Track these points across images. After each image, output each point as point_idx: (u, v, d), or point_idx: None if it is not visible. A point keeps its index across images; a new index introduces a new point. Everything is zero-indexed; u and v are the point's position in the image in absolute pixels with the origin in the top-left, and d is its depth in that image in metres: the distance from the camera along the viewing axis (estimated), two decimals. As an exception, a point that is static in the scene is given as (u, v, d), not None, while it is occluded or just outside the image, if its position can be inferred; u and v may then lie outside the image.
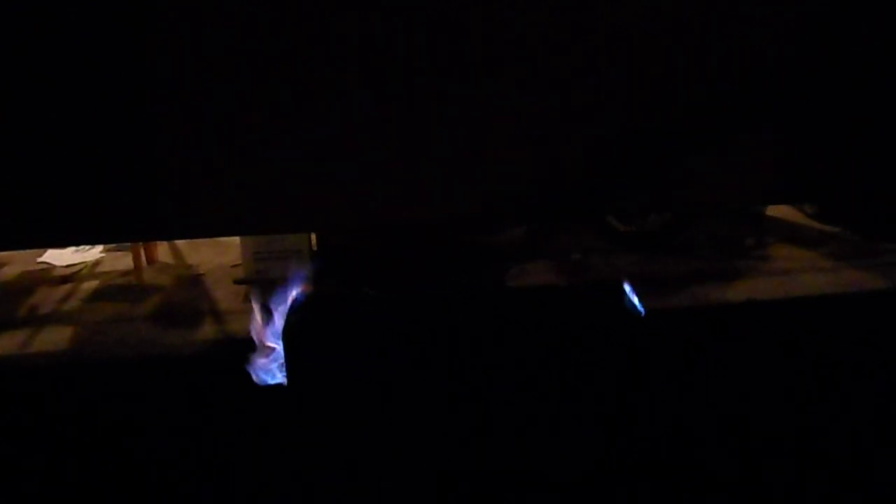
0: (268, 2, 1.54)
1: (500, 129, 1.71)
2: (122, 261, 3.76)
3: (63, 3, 1.50)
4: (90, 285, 3.55)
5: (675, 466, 1.72)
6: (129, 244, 3.64)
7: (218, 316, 3.16)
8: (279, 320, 1.75)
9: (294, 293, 1.77)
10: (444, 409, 1.66)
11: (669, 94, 1.74)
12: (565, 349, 1.68)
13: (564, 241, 3.89)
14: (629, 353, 1.71)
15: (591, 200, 1.89)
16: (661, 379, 1.78)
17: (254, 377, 1.73)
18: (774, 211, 4.18)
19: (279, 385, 1.70)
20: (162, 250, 3.92)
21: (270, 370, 1.74)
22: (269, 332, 1.76)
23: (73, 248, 3.85)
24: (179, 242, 4.02)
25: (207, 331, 3.00)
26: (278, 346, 1.74)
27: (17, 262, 3.82)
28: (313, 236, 3.51)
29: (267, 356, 1.75)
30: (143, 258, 3.66)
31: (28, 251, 3.82)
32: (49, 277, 3.65)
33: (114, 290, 3.49)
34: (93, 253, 3.89)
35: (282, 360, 1.71)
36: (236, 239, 3.58)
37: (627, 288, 1.75)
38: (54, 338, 2.94)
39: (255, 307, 1.78)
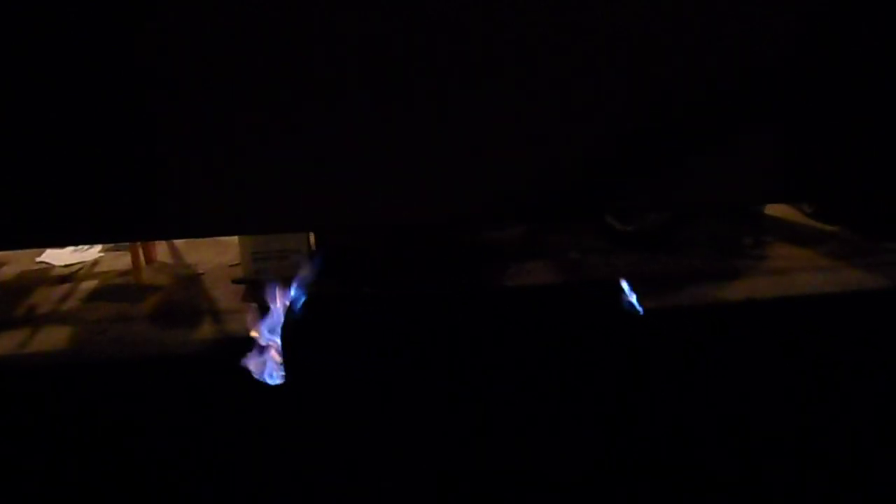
0: (268, 2, 1.54)
1: (500, 129, 1.71)
2: (121, 260, 3.76)
3: (63, 3, 1.49)
4: (89, 285, 3.54)
5: (673, 465, 1.72)
6: (127, 244, 3.63)
7: (217, 315, 3.16)
8: (278, 319, 1.75)
9: (293, 293, 1.77)
10: (444, 408, 1.66)
11: (669, 94, 1.75)
12: (564, 348, 1.68)
13: (563, 240, 3.89)
14: (628, 353, 1.71)
15: (591, 200, 1.90)
16: (660, 378, 1.78)
17: (254, 375, 1.73)
18: (773, 210, 4.18)
19: (278, 384, 1.70)
20: (160, 250, 3.91)
21: (270, 369, 1.74)
22: (267, 329, 1.76)
23: (71, 248, 3.84)
24: (178, 242, 4.01)
25: (206, 330, 3.00)
26: (276, 343, 1.74)
27: (15, 262, 3.81)
28: (312, 236, 3.51)
29: (266, 354, 1.75)
30: (142, 258, 3.66)
31: (26, 251, 3.81)
32: (48, 277, 3.65)
33: (112, 290, 3.48)
34: (91, 252, 3.89)
35: (280, 359, 1.71)
36: (235, 238, 3.57)
37: (626, 287, 1.75)
38: (53, 337, 2.93)
39: (254, 306, 1.78)
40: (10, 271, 3.73)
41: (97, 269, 3.77)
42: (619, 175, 1.80)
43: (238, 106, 1.63)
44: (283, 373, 1.71)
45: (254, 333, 1.78)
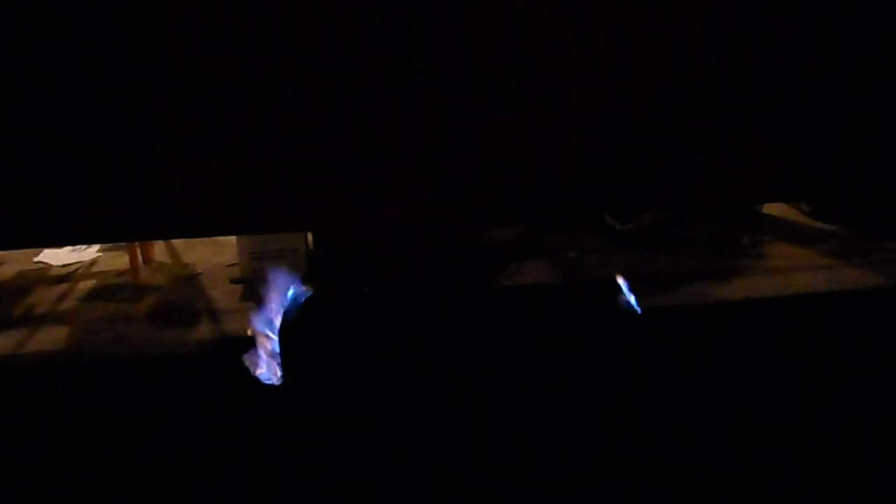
0: (268, 2, 1.54)
1: (500, 129, 1.71)
2: (119, 260, 3.75)
3: (63, 2, 1.49)
4: (86, 285, 3.53)
5: (672, 464, 1.72)
6: (124, 244, 3.62)
7: (214, 315, 3.15)
8: (276, 318, 1.75)
9: (291, 292, 1.77)
10: (442, 408, 1.66)
11: (668, 93, 1.75)
12: (562, 348, 1.68)
13: (561, 240, 3.88)
14: (626, 352, 1.71)
15: (592, 200, 1.90)
16: (659, 377, 1.78)
17: (252, 372, 1.72)
18: (771, 209, 4.18)
19: (277, 384, 1.69)
20: (158, 250, 3.91)
21: (266, 367, 1.73)
22: (264, 327, 1.76)
23: (69, 248, 3.83)
24: (176, 242, 4.00)
25: (204, 330, 2.99)
26: (274, 339, 1.74)
27: (13, 262, 3.80)
28: (310, 236, 3.50)
29: (264, 353, 1.74)
30: (140, 257, 3.65)
31: (24, 251, 3.80)
32: (45, 277, 3.64)
33: (110, 290, 3.48)
34: (89, 252, 3.88)
35: (276, 357, 1.71)
36: (233, 238, 3.56)
37: (623, 286, 1.75)
38: (51, 337, 2.93)
39: (251, 305, 1.77)
40: (7, 271, 3.72)
41: (95, 268, 3.76)
42: (619, 175, 1.80)
43: (237, 105, 1.63)
44: (279, 371, 1.71)
45: (249, 331, 1.77)
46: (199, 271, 3.66)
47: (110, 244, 3.85)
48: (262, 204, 1.72)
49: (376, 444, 1.64)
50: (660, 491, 1.66)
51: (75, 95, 1.58)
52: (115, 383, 2.17)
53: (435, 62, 1.62)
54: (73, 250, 3.85)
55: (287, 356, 1.67)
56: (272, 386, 1.70)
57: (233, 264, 3.61)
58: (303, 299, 1.76)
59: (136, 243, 3.56)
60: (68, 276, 3.65)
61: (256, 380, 1.73)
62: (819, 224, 4.01)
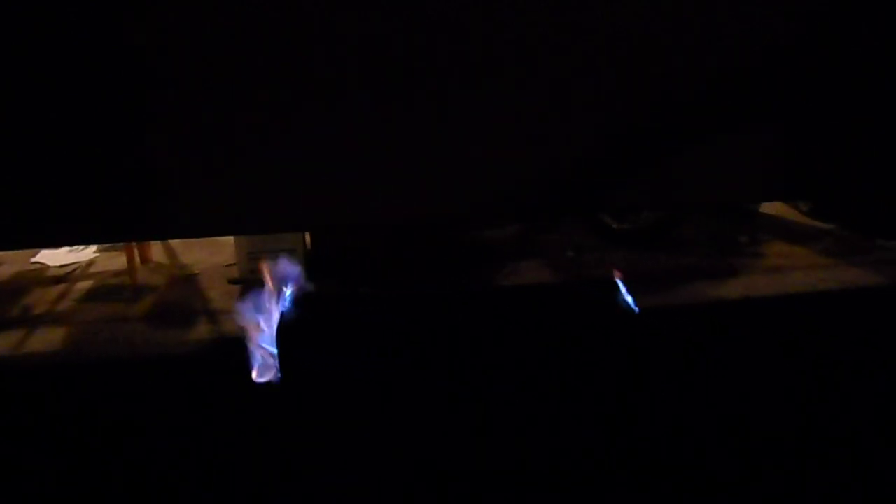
0: (268, 2, 1.54)
1: (500, 129, 1.71)
2: (116, 261, 3.74)
3: (63, 3, 1.49)
4: (84, 285, 3.52)
5: (670, 462, 1.72)
6: (122, 244, 3.61)
7: (212, 316, 3.15)
8: (273, 318, 1.75)
9: (289, 292, 1.77)
10: (440, 407, 1.65)
11: (667, 93, 1.75)
12: (559, 347, 1.68)
13: (558, 238, 3.89)
14: (624, 351, 1.71)
15: (591, 199, 1.90)
16: (657, 376, 1.78)
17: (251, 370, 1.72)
18: (768, 208, 4.19)
19: (274, 384, 1.69)
20: (156, 250, 3.90)
21: (260, 365, 1.73)
22: (259, 325, 1.76)
23: (66, 249, 3.83)
24: (173, 242, 3.99)
25: (202, 330, 2.99)
26: (268, 335, 1.73)
27: (10, 263, 3.79)
28: (308, 236, 3.50)
29: (260, 352, 1.74)
30: (137, 258, 3.64)
31: (21, 252, 3.80)
32: (43, 278, 3.63)
33: (108, 290, 3.47)
34: (86, 253, 3.87)
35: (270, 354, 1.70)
36: (230, 238, 3.56)
37: (621, 285, 1.75)
38: (48, 338, 2.92)
39: (246, 305, 1.77)
40: (4, 272, 3.71)
41: (92, 269, 3.75)
42: (618, 174, 1.81)
43: (236, 105, 1.63)
44: (273, 368, 1.70)
45: (244, 324, 1.77)
46: (197, 272, 3.66)
47: (107, 245, 3.85)
48: (262, 204, 1.72)
49: (375, 444, 1.64)
50: (659, 490, 1.66)
51: (74, 96, 1.57)
52: (113, 383, 2.17)
53: (435, 62, 1.62)
54: (71, 251, 3.84)
55: (285, 356, 1.66)
56: (270, 386, 1.70)
57: (231, 265, 3.61)
58: (298, 299, 1.76)
59: (134, 244, 3.55)
60: (66, 276, 3.65)
61: (254, 380, 1.72)
62: (816, 223, 4.01)
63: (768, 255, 3.61)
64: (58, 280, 3.59)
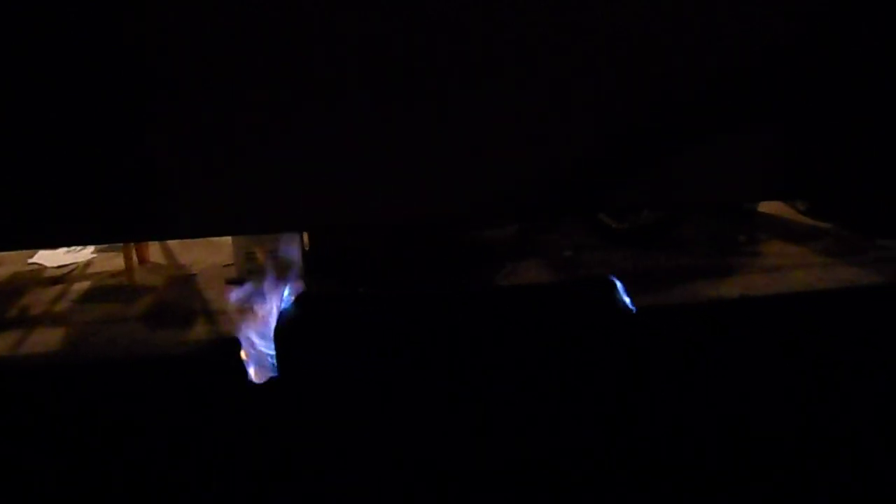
0: (268, 2, 1.53)
1: (500, 129, 1.71)
2: (114, 261, 3.74)
3: (62, 3, 1.48)
4: (81, 286, 3.52)
5: (668, 462, 1.72)
6: (120, 244, 3.61)
7: (210, 316, 3.15)
8: (268, 317, 1.75)
9: (287, 292, 1.77)
10: (439, 407, 1.65)
11: (667, 93, 1.75)
12: (557, 347, 1.68)
13: (557, 238, 3.89)
14: (622, 350, 1.71)
15: (591, 199, 1.90)
16: (655, 375, 1.78)
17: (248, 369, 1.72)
18: (766, 207, 4.20)
19: (272, 384, 1.69)
20: (153, 250, 3.90)
21: (261, 366, 1.73)
22: (255, 324, 1.76)
23: (64, 249, 3.83)
24: (171, 242, 3.99)
25: (200, 331, 2.99)
26: (263, 334, 1.73)
27: (7, 263, 3.79)
28: (306, 236, 3.50)
29: (256, 350, 1.74)
30: (135, 258, 3.64)
31: (19, 252, 3.79)
32: (40, 278, 3.63)
33: (105, 291, 3.47)
34: (84, 254, 3.87)
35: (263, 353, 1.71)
36: (228, 239, 3.56)
37: (618, 285, 1.75)
38: (45, 339, 2.92)
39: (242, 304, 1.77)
40: (2, 273, 3.71)
41: (90, 270, 3.75)
42: (618, 174, 1.81)
43: (235, 105, 1.62)
44: (268, 368, 1.70)
45: (241, 330, 1.77)
46: (195, 272, 3.66)
47: (105, 245, 3.84)
48: (262, 204, 1.72)
49: (373, 444, 1.64)
50: (658, 489, 1.66)
51: (73, 96, 1.57)
52: (111, 384, 2.16)
53: (435, 62, 1.62)
54: (68, 251, 3.84)
55: (280, 355, 1.66)
56: (269, 387, 1.70)
57: (228, 265, 3.61)
58: (298, 299, 1.76)
59: (132, 244, 3.55)
60: (63, 277, 3.64)
61: (252, 381, 1.72)
62: (814, 222, 4.02)
63: (766, 255, 3.62)
64: (55, 281, 3.59)
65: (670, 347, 1.98)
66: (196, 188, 1.68)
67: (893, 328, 2.24)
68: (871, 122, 1.90)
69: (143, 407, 1.96)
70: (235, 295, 1.78)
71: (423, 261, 3.13)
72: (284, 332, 1.66)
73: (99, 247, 3.90)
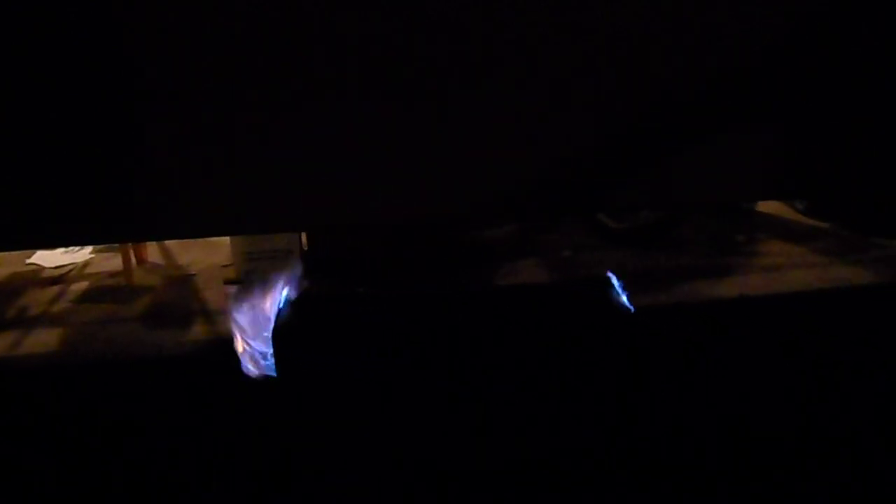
0: (268, 2, 1.53)
1: (499, 129, 1.71)
2: (112, 261, 3.73)
3: (60, 2, 1.48)
4: (79, 286, 3.51)
5: (668, 462, 1.72)
6: (118, 245, 3.60)
7: (209, 316, 3.14)
8: (263, 317, 1.75)
9: (285, 292, 1.77)
10: (437, 407, 1.65)
11: (667, 93, 1.75)
12: (555, 346, 1.68)
13: (555, 238, 3.89)
14: (621, 350, 1.71)
15: (591, 199, 1.90)
16: (654, 374, 1.78)
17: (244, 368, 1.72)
18: (765, 207, 4.19)
19: (270, 385, 1.69)
20: (151, 251, 3.89)
21: (259, 361, 1.73)
22: (251, 324, 1.75)
23: (62, 249, 3.81)
24: (169, 242, 3.98)
25: (198, 331, 2.98)
26: (256, 332, 1.73)
27: (5, 264, 3.78)
28: (304, 236, 3.49)
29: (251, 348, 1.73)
30: (133, 259, 3.63)
31: (16, 252, 3.78)
32: (38, 279, 3.62)
33: (103, 291, 3.46)
34: (82, 254, 3.86)
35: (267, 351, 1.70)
36: (226, 239, 3.55)
37: (616, 284, 1.75)
38: (44, 339, 2.91)
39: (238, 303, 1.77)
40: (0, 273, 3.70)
41: (88, 270, 3.74)
42: (618, 174, 1.81)
43: (234, 105, 1.62)
44: (261, 365, 1.70)
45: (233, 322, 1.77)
46: (193, 272, 3.65)
47: (103, 245, 3.83)
48: (261, 204, 1.72)
49: (373, 444, 1.64)
50: (657, 489, 1.66)
51: (72, 96, 1.57)
52: (109, 384, 2.16)
53: (435, 62, 1.62)
54: (66, 252, 3.83)
55: (279, 355, 1.66)
56: (264, 386, 1.70)
57: (227, 265, 3.60)
58: (294, 299, 1.75)
59: (129, 245, 3.54)
60: (61, 277, 3.63)
61: (250, 380, 1.72)
62: (813, 222, 4.02)
63: (765, 254, 3.61)
64: (53, 281, 3.58)
65: (669, 347, 1.99)
66: (195, 188, 1.68)
67: (892, 328, 2.25)
68: (871, 121, 1.90)
69: (141, 407, 1.96)
70: (237, 307, 1.77)
71: (422, 261, 3.12)
72: (283, 332, 1.66)
73: (97, 247, 3.89)
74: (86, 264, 3.80)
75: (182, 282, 3.55)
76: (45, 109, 1.59)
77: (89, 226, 1.73)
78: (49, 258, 3.81)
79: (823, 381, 2.05)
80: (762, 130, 1.87)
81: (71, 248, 3.82)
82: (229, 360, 1.74)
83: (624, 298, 1.72)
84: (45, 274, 3.68)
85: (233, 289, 1.79)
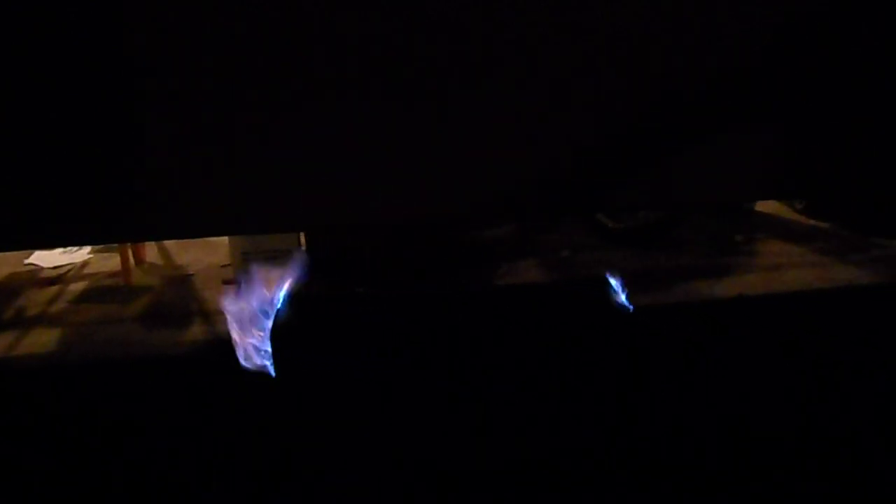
0: (268, 2, 1.53)
1: (499, 129, 1.71)
2: (110, 262, 3.73)
3: (60, 3, 1.48)
4: (78, 287, 3.51)
5: (668, 461, 1.72)
6: (116, 245, 3.60)
7: (207, 316, 3.14)
8: (259, 315, 1.74)
9: (283, 292, 1.76)
10: (436, 407, 1.65)
11: (667, 93, 1.75)
12: (554, 346, 1.68)
13: (554, 238, 3.89)
14: (620, 349, 1.71)
15: (591, 198, 1.90)
16: (653, 374, 1.78)
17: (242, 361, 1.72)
18: (763, 206, 4.20)
19: (268, 385, 1.69)
20: (150, 251, 3.89)
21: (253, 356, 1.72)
22: (246, 321, 1.75)
23: (60, 250, 3.81)
24: (168, 242, 3.99)
25: (196, 331, 2.98)
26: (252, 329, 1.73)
27: (3, 264, 3.78)
28: (302, 236, 3.49)
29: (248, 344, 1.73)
30: (132, 259, 3.63)
31: (15, 253, 3.78)
32: (36, 279, 3.62)
33: (102, 292, 3.46)
34: (80, 254, 3.86)
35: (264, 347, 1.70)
36: (225, 239, 3.55)
37: (614, 284, 1.75)
38: (42, 339, 2.91)
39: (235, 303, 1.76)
40: (-3, 273, 3.70)
41: (86, 270, 3.74)
42: (618, 174, 1.81)
43: (234, 105, 1.62)
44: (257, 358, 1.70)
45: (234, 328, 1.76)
46: (192, 272, 3.65)
47: (101, 245, 3.83)
48: (260, 204, 1.71)
49: (372, 444, 1.64)
50: (657, 489, 1.66)
51: (71, 95, 1.56)
52: (107, 385, 2.16)
53: (435, 62, 1.62)
54: (64, 252, 3.83)
55: (277, 355, 1.66)
56: (263, 386, 1.70)
57: (226, 265, 3.60)
58: (295, 299, 1.75)
59: (128, 245, 3.54)
60: (59, 277, 3.63)
61: (249, 379, 1.72)
62: (811, 222, 4.03)
63: (764, 254, 3.62)
64: (51, 281, 3.58)
65: (668, 347, 1.98)
66: (194, 188, 1.68)
67: (892, 328, 2.24)
68: (871, 121, 1.90)
69: (139, 407, 1.95)
70: (233, 306, 1.77)
71: (421, 261, 3.12)
72: (281, 332, 1.66)
73: (95, 247, 3.89)
74: (84, 264, 3.80)
75: (180, 282, 3.55)
76: (44, 109, 1.58)
77: (88, 226, 1.73)
78: (47, 258, 3.80)
79: (823, 381, 2.05)
80: (762, 130, 1.87)
81: (69, 248, 3.82)
82: (228, 360, 1.74)
83: (623, 298, 1.72)
84: (44, 274, 3.68)
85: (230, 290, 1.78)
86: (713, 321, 2.52)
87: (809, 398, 1.96)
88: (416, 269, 3.10)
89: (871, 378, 2.05)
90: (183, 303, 3.29)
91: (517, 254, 3.64)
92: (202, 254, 3.83)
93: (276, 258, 3.24)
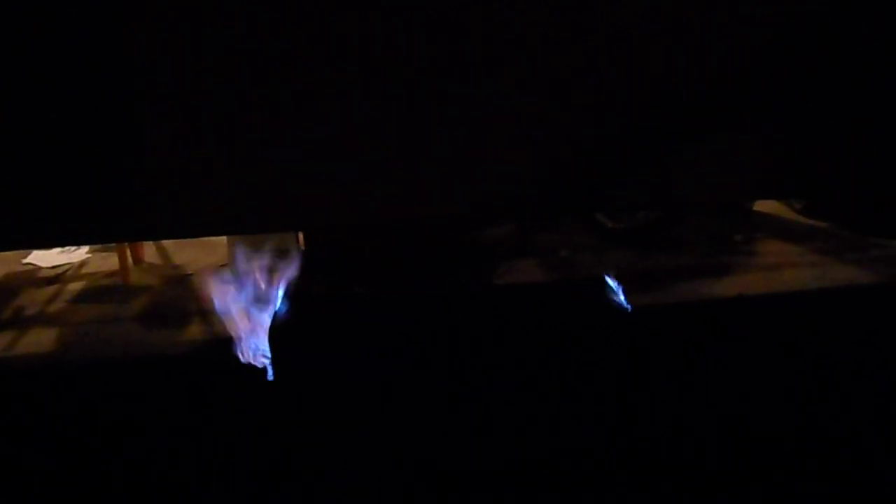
0: (268, 2, 1.53)
1: (499, 129, 1.71)
2: (109, 261, 3.72)
3: (60, 2, 1.48)
4: (76, 286, 3.51)
5: (668, 461, 1.72)
6: (114, 244, 3.60)
7: (206, 316, 3.13)
8: (257, 314, 1.74)
9: (282, 292, 1.76)
10: (435, 407, 1.65)
11: (667, 93, 1.75)
12: (554, 346, 1.68)
13: (553, 238, 3.89)
14: (619, 349, 1.71)
15: (591, 198, 1.90)
16: (652, 374, 1.78)
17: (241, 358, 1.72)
18: (763, 206, 4.20)
19: (267, 385, 1.69)
20: (148, 250, 3.88)
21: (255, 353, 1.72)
22: (244, 317, 1.75)
23: (58, 249, 3.81)
24: (166, 242, 3.98)
25: (195, 331, 2.98)
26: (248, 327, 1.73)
27: (1, 264, 3.77)
28: (301, 235, 3.49)
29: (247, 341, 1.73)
30: (130, 258, 3.63)
31: (13, 252, 3.77)
32: (34, 278, 3.61)
33: (100, 291, 3.45)
34: (78, 254, 3.85)
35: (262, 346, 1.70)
36: (223, 238, 3.55)
37: (612, 284, 1.75)
38: (40, 339, 2.91)
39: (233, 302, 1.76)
40: (-5, 273, 3.70)
41: (84, 270, 3.73)
42: (618, 173, 1.81)
43: (234, 104, 1.62)
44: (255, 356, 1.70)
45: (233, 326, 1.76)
46: (190, 272, 3.64)
47: (100, 245, 3.83)
48: (260, 204, 1.71)
49: (372, 445, 1.64)
50: (656, 489, 1.66)
51: (71, 95, 1.56)
52: (106, 384, 2.15)
53: (435, 62, 1.62)
54: (63, 252, 3.82)
55: (275, 355, 1.66)
56: (262, 386, 1.70)
57: (224, 265, 3.59)
58: (294, 299, 1.75)
59: (126, 244, 3.53)
60: (57, 277, 3.62)
61: (248, 379, 1.72)
62: (810, 221, 4.03)
63: (763, 254, 3.62)
64: (50, 281, 3.57)
65: (668, 347, 1.98)
66: (194, 188, 1.68)
67: (891, 327, 2.25)
68: (870, 121, 1.90)
69: (138, 407, 1.95)
70: (231, 306, 1.77)
71: (420, 260, 3.12)
72: (280, 332, 1.66)
73: (93, 247, 3.88)
74: (82, 264, 3.79)
75: (179, 281, 3.54)
76: (44, 108, 1.58)
77: (87, 225, 1.73)
78: (45, 258, 3.80)
79: (823, 380, 2.04)
80: (762, 130, 1.87)
81: (67, 247, 3.81)
82: (227, 359, 1.74)
83: (621, 298, 1.72)
84: (42, 274, 3.67)
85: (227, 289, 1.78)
86: (713, 321, 2.52)
87: (809, 398, 1.96)
88: (416, 268, 3.10)
89: (871, 378, 2.05)
90: (181, 302, 3.28)
91: (517, 254, 3.64)
92: (200, 254, 3.83)
93: (272, 256, 3.25)
